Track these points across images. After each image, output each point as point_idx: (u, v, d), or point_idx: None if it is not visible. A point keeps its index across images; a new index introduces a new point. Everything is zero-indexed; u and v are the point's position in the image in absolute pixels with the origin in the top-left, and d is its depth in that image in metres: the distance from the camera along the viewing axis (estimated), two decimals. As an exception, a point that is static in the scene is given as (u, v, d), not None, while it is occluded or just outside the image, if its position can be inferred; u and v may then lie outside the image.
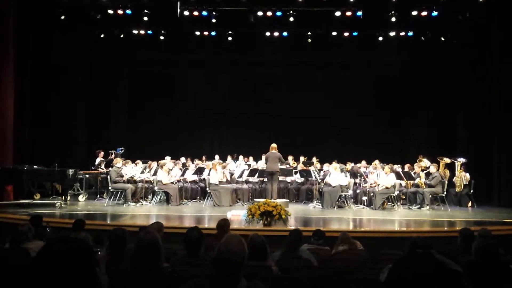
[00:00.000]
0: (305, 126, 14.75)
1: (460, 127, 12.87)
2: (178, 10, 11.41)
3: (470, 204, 10.80)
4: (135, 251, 2.65)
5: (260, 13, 11.50)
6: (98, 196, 11.26)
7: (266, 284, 2.29)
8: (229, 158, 13.16)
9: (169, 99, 15.01)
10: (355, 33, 12.66)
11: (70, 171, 9.73)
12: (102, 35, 12.99)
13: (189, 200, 11.16)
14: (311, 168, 11.31)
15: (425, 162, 11.21)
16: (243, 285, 2.13)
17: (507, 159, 10.87)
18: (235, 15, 11.85)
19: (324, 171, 11.20)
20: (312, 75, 14.84)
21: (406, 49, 13.22)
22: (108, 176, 10.40)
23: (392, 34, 12.45)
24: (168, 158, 11.87)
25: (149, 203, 10.59)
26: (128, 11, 11.63)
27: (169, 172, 10.70)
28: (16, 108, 10.20)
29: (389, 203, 10.46)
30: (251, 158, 13.13)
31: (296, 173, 11.64)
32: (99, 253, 4.17)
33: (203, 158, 13.01)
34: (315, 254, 4.42)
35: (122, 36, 13.08)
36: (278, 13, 11.53)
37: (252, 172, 11.09)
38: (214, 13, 11.65)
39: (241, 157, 13.09)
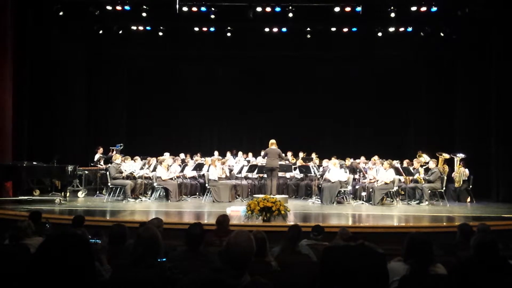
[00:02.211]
0: (304, 122, 14.74)
1: (459, 122, 12.86)
2: (177, 6, 11.37)
3: (469, 199, 10.82)
4: (134, 247, 2.66)
5: (259, 9, 11.46)
6: (98, 192, 11.26)
7: (264, 279, 2.30)
8: (228, 154, 13.16)
9: (168, 95, 14.98)
10: (354, 29, 12.64)
11: (69, 167, 9.74)
12: (100, 31, 12.94)
13: (189, 196, 11.18)
14: (310, 164, 11.31)
15: (424, 158, 11.22)
16: (246, 280, 2.14)
17: (506, 155, 10.88)
18: (234, 10, 11.81)
19: (323, 167, 11.21)
20: (311, 70, 14.83)
21: (405, 44, 13.19)
22: (107, 172, 10.41)
23: (391, 29, 12.42)
24: (167, 154, 11.87)
25: (149, 199, 10.60)
26: (127, 7, 11.59)
27: (168, 168, 10.71)
28: (14, 104, 10.18)
29: (388, 198, 10.48)
30: (250, 154, 13.13)
31: (295, 169, 11.65)
32: (99, 242, 4.18)
33: (198, 154, 12.98)
34: (314, 250, 4.43)
35: (120, 32, 13.04)
36: (277, 9, 11.49)
37: (252, 168, 11.10)
38: (213, 9, 11.62)
39: (240, 153, 13.10)
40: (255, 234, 3.39)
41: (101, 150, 12.26)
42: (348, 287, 1.66)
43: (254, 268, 2.40)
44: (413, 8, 11.31)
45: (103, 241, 4.29)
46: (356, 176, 11.18)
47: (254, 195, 10.19)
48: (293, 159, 12.37)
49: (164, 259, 3.41)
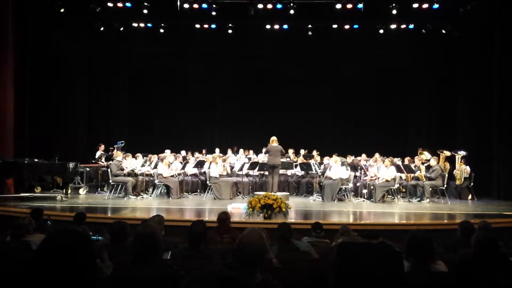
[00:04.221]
0: (305, 119, 14.75)
1: (460, 120, 12.85)
2: (178, 3, 11.37)
3: (470, 197, 10.82)
4: (134, 244, 2.66)
5: (260, 6, 11.46)
6: (99, 189, 11.28)
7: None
8: (229, 151, 13.15)
9: (169, 92, 14.99)
10: (356, 26, 12.62)
11: (71, 165, 9.74)
12: (101, 28, 12.94)
13: (190, 193, 11.18)
14: (312, 161, 11.31)
15: (426, 155, 11.21)
16: (258, 278, 2.15)
17: (507, 152, 10.86)
18: (235, 7, 11.81)
19: (324, 165, 11.21)
20: (313, 67, 14.80)
21: (407, 41, 13.17)
22: (109, 170, 10.42)
23: (393, 26, 12.40)
24: (168, 151, 11.87)
25: (150, 196, 10.61)
26: (128, 4, 11.61)
27: (169, 165, 10.71)
28: (16, 101, 10.19)
29: (389, 196, 10.48)
30: (251, 151, 13.12)
31: (296, 166, 11.65)
32: (101, 239, 4.19)
33: (204, 151, 13.00)
34: (315, 247, 4.43)
35: (122, 29, 13.04)
36: (279, 6, 11.48)
37: (253, 165, 11.10)
38: (214, 5, 11.63)
39: (241, 150, 13.08)
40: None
41: (102, 147, 12.27)
42: (364, 284, 1.65)
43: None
44: (415, 5, 11.30)
45: (105, 238, 4.30)
46: (357, 174, 11.17)
47: (255, 192, 10.19)
48: (294, 158, 12.34)
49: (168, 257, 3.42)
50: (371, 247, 1.74)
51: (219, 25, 12.82)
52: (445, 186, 10.34)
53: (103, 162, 11.84)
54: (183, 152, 12.65)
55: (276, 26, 12.67)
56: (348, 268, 1.73)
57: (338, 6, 11.32)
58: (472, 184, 10.90)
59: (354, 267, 1.71)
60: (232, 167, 11.87)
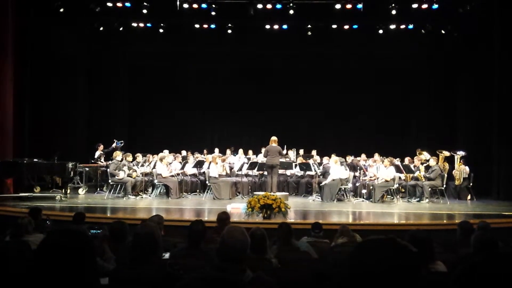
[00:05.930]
0: (305, 119, 14.74)
1: (460, 120, 12.86)
2: (178, 3, 11.36)
3: (469, 197, 10.82)
4: (132, 244, 2.67)
5: (260, 6, 11.45)
6: (98, 189, 11.27)
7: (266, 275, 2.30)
8: (228, 151, 13.13)
9: (168, 92, 14.97)
10: (355, 26, 12.62)
11: (70, 164, 9.73)
12: (101, 28, 12.92)
13: (189, 193, 11.18)
14: (311, 161, 11.31)
15: (425, 155, 11.21)
16: (248, 276, 2.15)
17: (507, 153, 10.86)
18: (234, 7, 11.80)
19: (323, 165, 11.20)
20: (312, 68, 14.79)
21: (406, 42, 13.16)
22: (108, 170, 10.41)
23: (392, 26, 12.40)
24: (166, 151, 11.85)
25: (149, 196, 10.61)
26: (128, 4, 11.59)
27: (168, 165, 10.71)
28: (15, 101, 10.18)
29: (388, 196, 10.48)
30: (250, 151, 13.10)
31: (295, 166, 11.65)
32: (99, 232, 4.17)
33: (205, 151, 12.98)
34: (314, 247, 4.43)
35: (121, 28, 13.02)
36: (278, 6, 11.48)
37: (252, 165, 11.10)
38: (213, 5, 11.62)
39: (240, 150, 13.05)
40: (254, 231, 3.41)
41: (101, 147, 12.26)
42: (379, 284, 1.60)
43: (254, 265, 2.41)
44: (414, 5, 11.29)
45: (104, 230, 4.27)
46: (357, 174, 11.18)
47: (254, 193, 10.19)
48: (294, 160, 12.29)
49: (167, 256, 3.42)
50: (387, 246, 1.66)
51: (218, 25, 12.81)
52: (444, 186, 10.35)
53: (102, 162, 11.84)
54: (184, 152, 12.64)
55: (276, 26, 12.66)
56: (365, 267, 1.65)
57: (338, 6, 11.31)
58: (471, 184, 10.91)
59: (370, 265, 1.64)
60: (231, 167, 11.88)
